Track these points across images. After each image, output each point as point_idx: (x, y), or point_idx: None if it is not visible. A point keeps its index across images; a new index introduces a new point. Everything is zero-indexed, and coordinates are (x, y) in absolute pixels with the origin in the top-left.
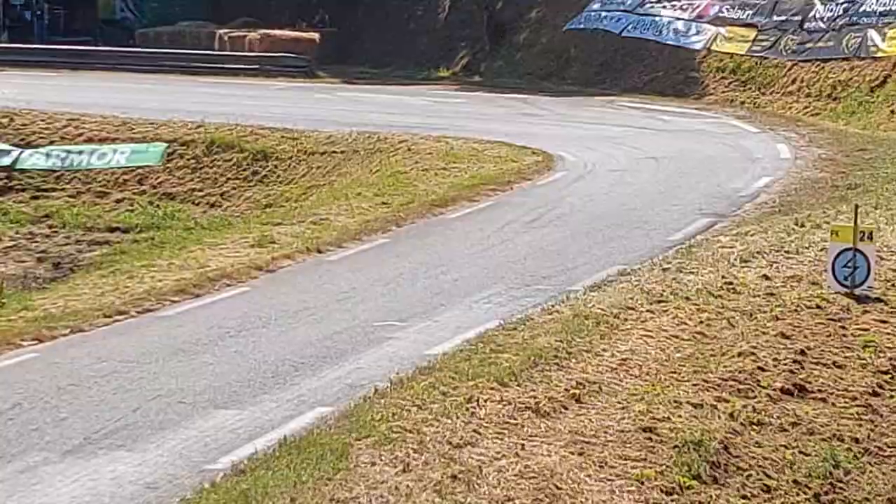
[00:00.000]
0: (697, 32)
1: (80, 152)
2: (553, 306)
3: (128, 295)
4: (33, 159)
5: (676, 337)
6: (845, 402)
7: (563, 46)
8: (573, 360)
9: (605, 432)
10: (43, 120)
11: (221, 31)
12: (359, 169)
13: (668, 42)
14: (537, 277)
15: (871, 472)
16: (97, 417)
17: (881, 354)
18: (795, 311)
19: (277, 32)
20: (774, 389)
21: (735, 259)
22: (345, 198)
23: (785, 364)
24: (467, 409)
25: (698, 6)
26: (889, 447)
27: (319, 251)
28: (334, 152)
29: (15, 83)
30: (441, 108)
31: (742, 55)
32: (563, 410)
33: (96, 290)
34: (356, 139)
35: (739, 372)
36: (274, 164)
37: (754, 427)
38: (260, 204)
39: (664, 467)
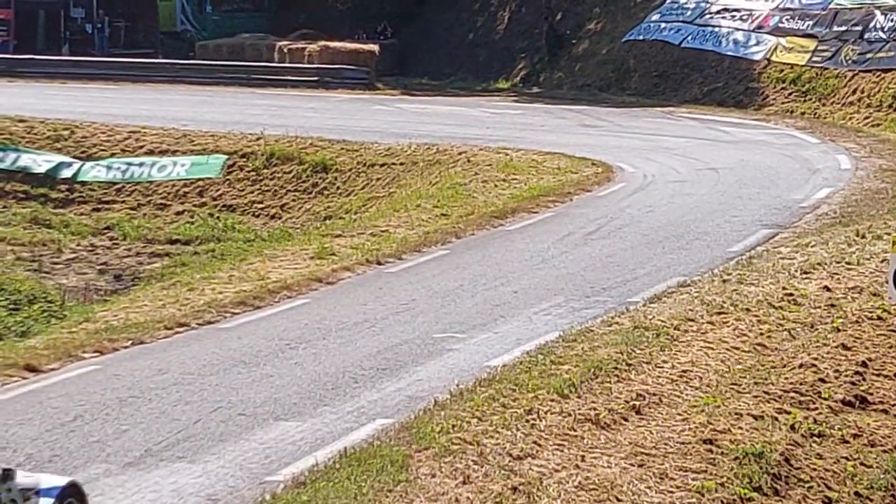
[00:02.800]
0: (757, 43)
1: (141, 164)
2: (613, 318)
3: (188, 307)
4: (94, 171)
5: (737, 349)
6: None
7: (623, 57)
8: (633, 372)
9: (666, 444)
10: (104, 132)
11: (281, 44)
12: (418, 180)
13: (727, 53)
14: (597, 289)
15: None
16: (158, 429)
17: None
18: (856, 322)
19: (337, 44)
20: (835, 401)
21: (795, 270)
22: (404, 209)
23: (846, 375)
24: (527, 421)
25: (758, 17)
26: None
27: (379, 263)
28: (393, 164)
29: (76, 96)
30: (500, 119)
31: (802, 66)
32: (623, 422)
33: (157, 302)
34: (415, 151)
35: (800, 383)
36: (333, 176)
37: (815, 439)
38: (320, 216)
39: (724, 479)
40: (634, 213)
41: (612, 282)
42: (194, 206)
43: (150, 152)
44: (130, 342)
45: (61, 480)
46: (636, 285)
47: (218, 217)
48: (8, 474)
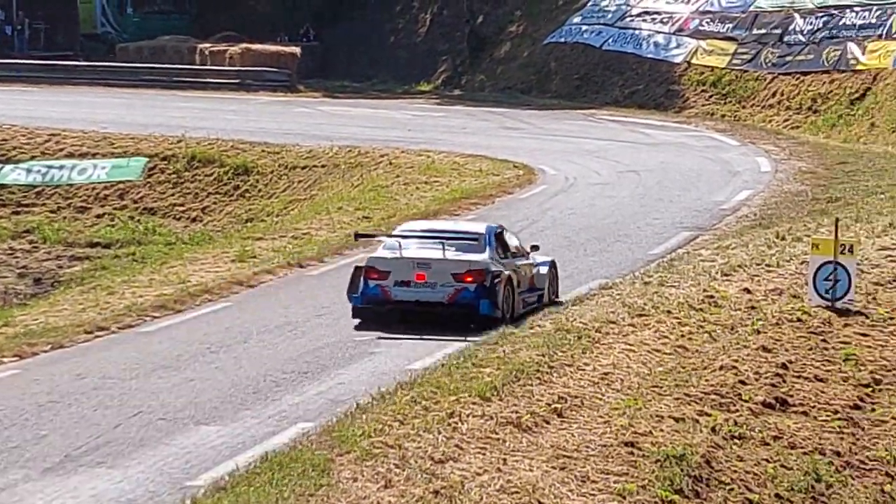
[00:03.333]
0: (678, 46)
1: (61, 167)
2: (535, 321)
3: (108, 311)
4: (14, 174)
5: (658, 351)
6: (827, 416)
7: (544, 60)
8: (555, 375)
9: (587, 447)
10: (23, 135)
11: (202, 46)
12: (340, 183)
13: (648, 55)
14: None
15: (852, 485)
16: (77, 434)
17: (862, 368)
18: (777, 324)
19: (258, 47)
20: (756, 403)
21: (716, 272)
22: (326, 212)
23: (766, 378)
24: (449, 425)
25: (678, 20)
26: (871, 461)
27: (301, 266)
28: (315, 167)
29: None
30: (422, 121)
31: (722, 68)
32: (544, 425)
33: (77, 305)
34: (337, 153)
35: (721, 386)
36: (255, 179)
37: (736, 441)
38: (241, 218)
39: (646, 482)
40: (556, 216)
41: None
42: (115, 209)
43: (71, 155)
44: (50, 346)
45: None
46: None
47: (139, 220)
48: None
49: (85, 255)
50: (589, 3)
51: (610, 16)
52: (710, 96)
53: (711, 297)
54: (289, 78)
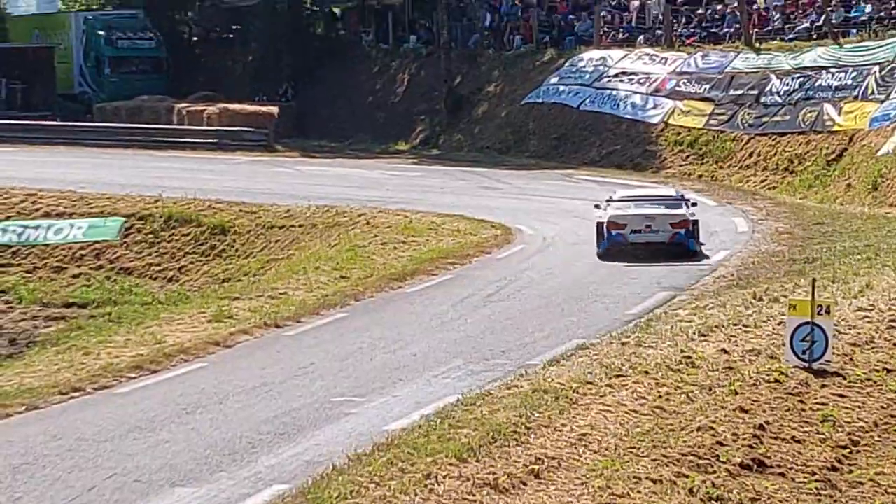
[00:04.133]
0: (655, 106)
1: (37, 227)
2: (512, 381)
3: (84, 371)
4: None
5: (635, 412)
6: (804, 477)
7: (522, 120)
8: (532, 436)
9: None
10: None
11: (180, 106)
12: (317, 243)
13: (625, 116)
14: (496, 352)
15: None
16: (52, 497)
17: (840, 429)
18: (754, 385)
19: (236, 106)
20: (734, 464)
21: (693, 333)
22: (303, 272)
23: (744, 439)
24: (426, 486)
25: (655, 80)
26: None
27: (277, 326)
28: (293, 226)
29: None
30: (399, 181)
31: (699, 129)
32: (521, 486)
33: (52, 366)
34: (315, 213)
35: (699, 447)
36: (232, 238)
37: (713, 503)
38: (218, 278)
39: None
40: (534, 276)
41: (512, 344)
42: (91, 269)
43: (47, 215)
44: (24, 407)
45: None
46: (535, 348)
47: (115, 280)
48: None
49: (61, 315)
50: (566, 64)
51: (587, 76)
52: (688, 156)
53: (689, 357)
54: (266, 137)
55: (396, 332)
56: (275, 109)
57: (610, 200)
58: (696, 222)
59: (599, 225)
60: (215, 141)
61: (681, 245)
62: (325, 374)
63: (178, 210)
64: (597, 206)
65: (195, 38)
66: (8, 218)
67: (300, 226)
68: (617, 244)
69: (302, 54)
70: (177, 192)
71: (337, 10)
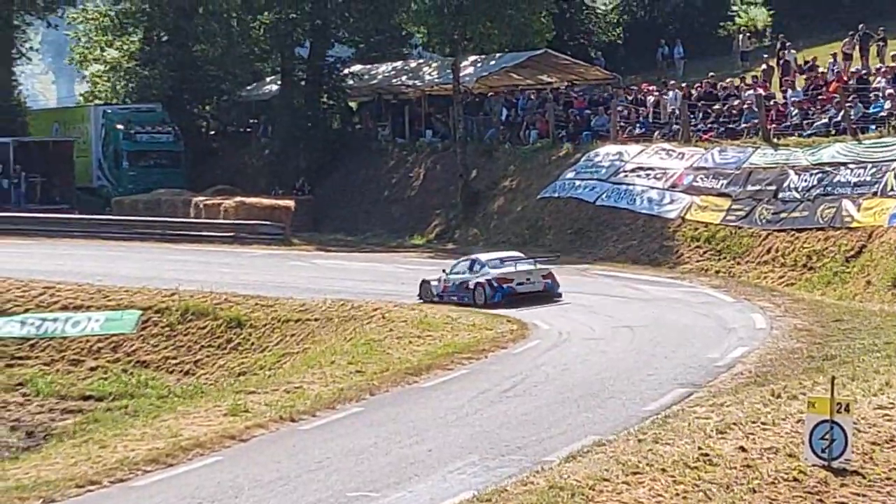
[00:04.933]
0: (672, 201)
1: (55, 320)
2: (528, 477)
3: (100, 464)
4: (8, 327)
5: None
6: None
7: (538, 214)
8: None
9: None
10: (18, 287)
11: (197, 199)
12: (333, 336)
13: (642, 211)
14: (512, 447)
15: None
16: None
17: None
18: (773, 483)
19: (253, 200)
20: None
21: (711, 430)
22: (319, 366)
23: None
24: None
25: (672, 175)
26: None
27: (293, 420)
28: (308, 320)
29: None
30: (415, 275)
31: (717, 224)
32: None
33: (69, 459)
34: (330, 307)
35: None
36: (248, 332)
37: None
38: (234, 372)
39: None
40: (549, 371)
41: (528, 440)
42: (108, 361)
43: (65, 308)
44: (41, 501)
45: None
46: (551, 444)
47: (132, 373)
48: None
49: (78, 407)
50: (583, 159)
51: (604, 171)
52: (705, 252)
53: (706, 455)
54: (283, 231)
55: (412, 427)
56: (291, 203)
57: (451, 270)
58: (553, 273)
59: (481, 284)
60: (232, 234)
61: (549, 291)
62: (340, 469)
63: (195, 303)
64: (446, 271)
65: (212, 132)
66: (27, 310)
67: (316, 319)
68: (508, 295)
69: (318, 148)
70: (193, 285)
71: (353, 105)
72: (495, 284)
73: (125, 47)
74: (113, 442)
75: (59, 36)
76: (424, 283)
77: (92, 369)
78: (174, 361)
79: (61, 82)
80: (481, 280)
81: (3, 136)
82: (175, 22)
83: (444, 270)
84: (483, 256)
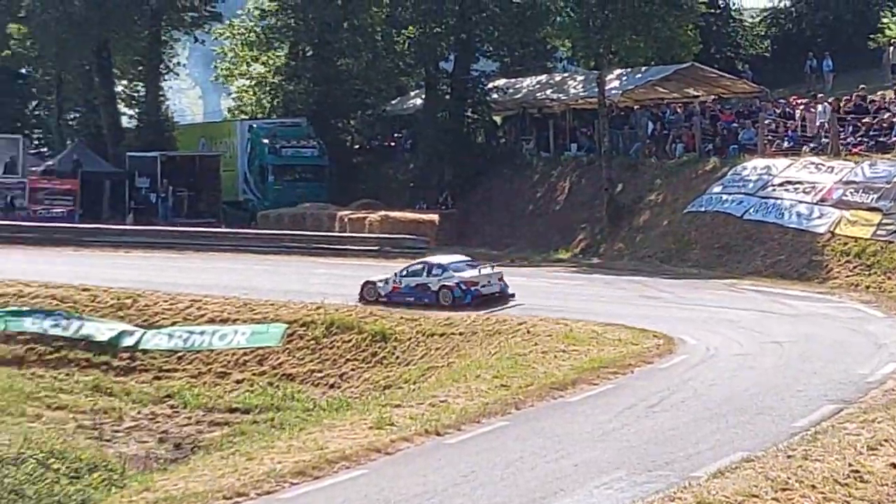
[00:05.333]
0: (821, 216)
1: (202, 333)
2: (675, 493)
3: (247, 476)
4: (156, 340)
5: None
6: None
7: (684, 229)
8: None
9: None
10: (166, 301)
11: (342, 213)
12: (478, 350)
13: (790, 225)
14: (659, 463)
15: None
16: None
17: None
18: None
19: (397, 214)
20: None
21: (862, 447)
22: (463, 380)
23: None
24: None
25: (821, 190)
26: None
27: (438, 434)
28: (453, 334)
29: (139, 264)
30: (560, 289)
31: (867, 239)
32: None
33: (216, 471)
34: (475, 321)
35: None
36: (392, 346)
37: None
38: (379, 385)
39: None
40: (697, 386)
41: (675, 456)
42: (254, 374)
43: (212, 321)
44: None
45: None
46: (699, 459)
47: (277, 386)
48: None
49: (224, 420)
50: (730, 173)
51: (751, 185)
52: (855, 267)
53: (857, 472)
54: (427, 245)
55: (558, 442)
56: (435, 217)
57: (404, 273)
58: (503, 275)
59: (447, 286)
60: (377, 248)
61: (503, 292)
62: (486, 483)
63: (340, 317)
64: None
65: (356, 147)
66: (174, 323)
67: (460, 333)
68: (475, 297)
69: (463, 163)
70: (338, 298)
71: (498, 119)
72: (464, 287)
73: (271, 62)
74: (259, 454)
75: (207, 51)
76: (368, 284)
77: (238, 382)
78: (319, 374)
79: (208, 97)
80: (448, 283)
81: (151, 151)
82: (320, 36)
83: (395, 273)
84: (442, 260)
